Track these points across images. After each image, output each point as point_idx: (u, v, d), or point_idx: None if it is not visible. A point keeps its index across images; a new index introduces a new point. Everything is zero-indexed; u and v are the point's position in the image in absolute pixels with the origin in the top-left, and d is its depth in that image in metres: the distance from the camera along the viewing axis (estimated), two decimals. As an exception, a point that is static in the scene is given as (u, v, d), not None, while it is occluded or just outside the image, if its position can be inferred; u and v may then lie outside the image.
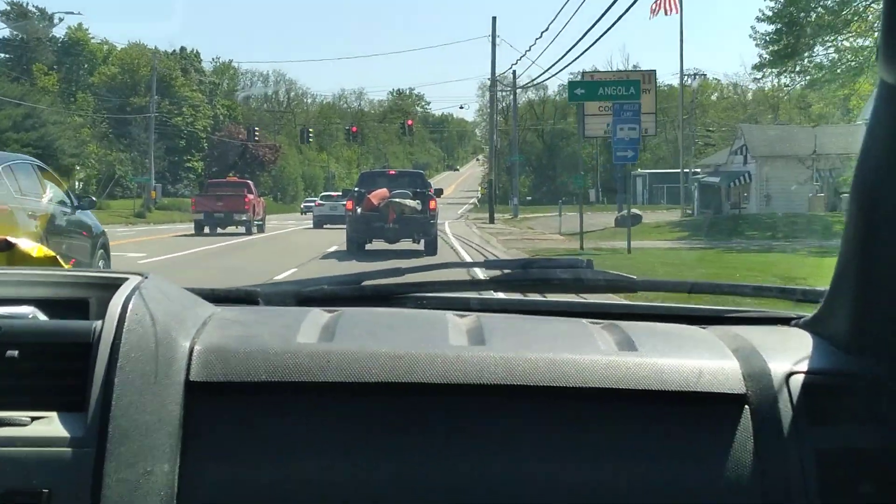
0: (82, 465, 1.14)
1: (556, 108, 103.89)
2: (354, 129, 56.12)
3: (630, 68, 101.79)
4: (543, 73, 55.30)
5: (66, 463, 1.14)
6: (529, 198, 75.93)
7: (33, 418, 1.18)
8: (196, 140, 73.71)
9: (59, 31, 73.23)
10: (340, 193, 43.10)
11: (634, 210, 36.28)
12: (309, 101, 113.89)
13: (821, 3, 32.14)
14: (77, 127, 59.06)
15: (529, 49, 44.82)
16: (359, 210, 21.46)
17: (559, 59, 42.74)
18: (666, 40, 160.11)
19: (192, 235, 32.96)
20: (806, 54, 33.58)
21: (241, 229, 33.97)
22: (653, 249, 23.94)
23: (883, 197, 1.27)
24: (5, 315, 1.30)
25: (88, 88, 69.22)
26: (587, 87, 26.15)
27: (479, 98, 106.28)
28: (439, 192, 24.60)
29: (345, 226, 30.32)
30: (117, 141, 66.12)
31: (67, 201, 11.80)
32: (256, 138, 65.59)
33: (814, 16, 31.99)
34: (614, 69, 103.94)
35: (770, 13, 34.36)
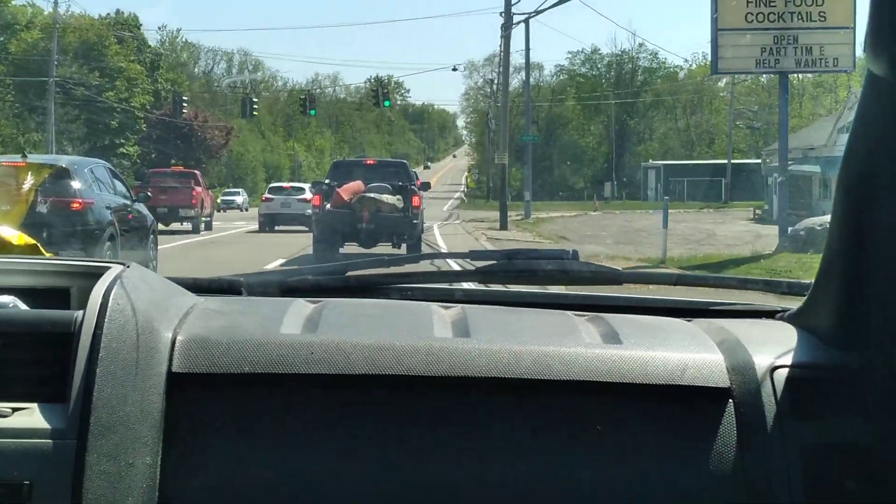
0: (64, 457, 1.16)
1: (554, 92, 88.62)
2: (311, 103, 40.72)
3: (636, 46, 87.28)
4: None
5: (47, 455, 1.16)
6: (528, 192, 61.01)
7: (14, 409, 1.20)
8: (132, 120, 58.02)
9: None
10: (293, 185, 36.76)
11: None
12: (280, 83, 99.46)
13: None
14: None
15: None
16: (327, 206, 17.99)
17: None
18: (676, 14, 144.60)
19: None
20: None
21: (188, 226, 30.19)
22: None
23: (869, 190, 1.31)
24: None
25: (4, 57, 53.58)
26: None
27: (467, 78, 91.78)
28: (426, 186, 20.96)
29: (302, 227, 27.13)
30: (30, 118, 50.53)
31: (128, 195, 14.73)
32: (185, 112, 49.88)
33: None
34: (619, 48, 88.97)
35: None
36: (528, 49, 34.53)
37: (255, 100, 47.31)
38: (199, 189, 31.01)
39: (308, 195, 31.15)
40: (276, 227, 31.44)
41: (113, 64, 62.23)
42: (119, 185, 14.58)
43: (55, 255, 1.75)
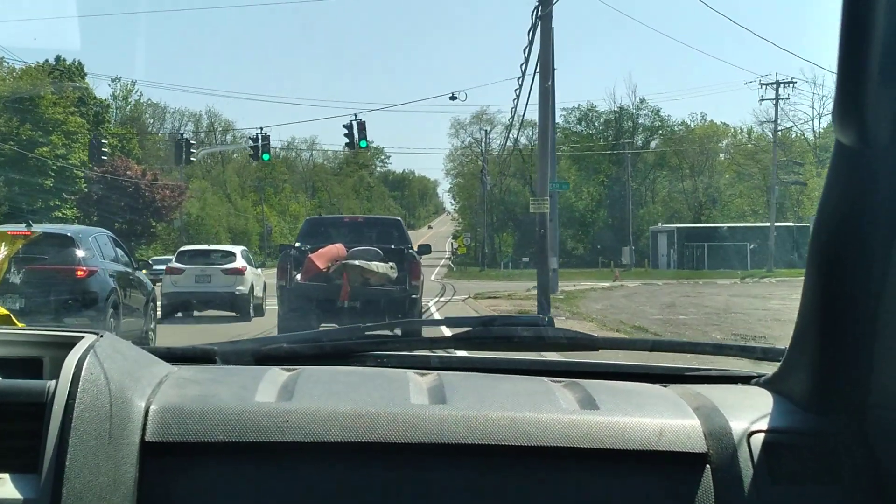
0: None
1: (547, 151, 78.00)
2: (265, 144, 29.82)
3: (637, 101, 77.90)
4: None
5: None
6: (526, 259, 52.71)
7: None
8: (70, 179, 47.59)
9: None
10: (216, 248, 24.70)
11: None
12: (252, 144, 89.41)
13: None
14: None
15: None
16: (297, 278, 14.26)
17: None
18: (679, 68, 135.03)
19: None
20: None
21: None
22: None
23: (841, 256, 1.35)
24: None
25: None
26: None
27: (453, 137, 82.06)
28: (425, 250, 15.91)
29: (230, 312, 21.44)
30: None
31: (130, 263, 15.29)
32: (105, 157, 39.42)
33: None
34: (617, 102, 79.97)
35: None
36: (551, 46, 23.23)
37: (192, 142, 37.15)
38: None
39: (241, 263, 21.58)
40: (195, 314, 21.16)
41: (49, 115, 52.10)
42: (121, 254, 15.02)
43: (27, 326, 1.74)
